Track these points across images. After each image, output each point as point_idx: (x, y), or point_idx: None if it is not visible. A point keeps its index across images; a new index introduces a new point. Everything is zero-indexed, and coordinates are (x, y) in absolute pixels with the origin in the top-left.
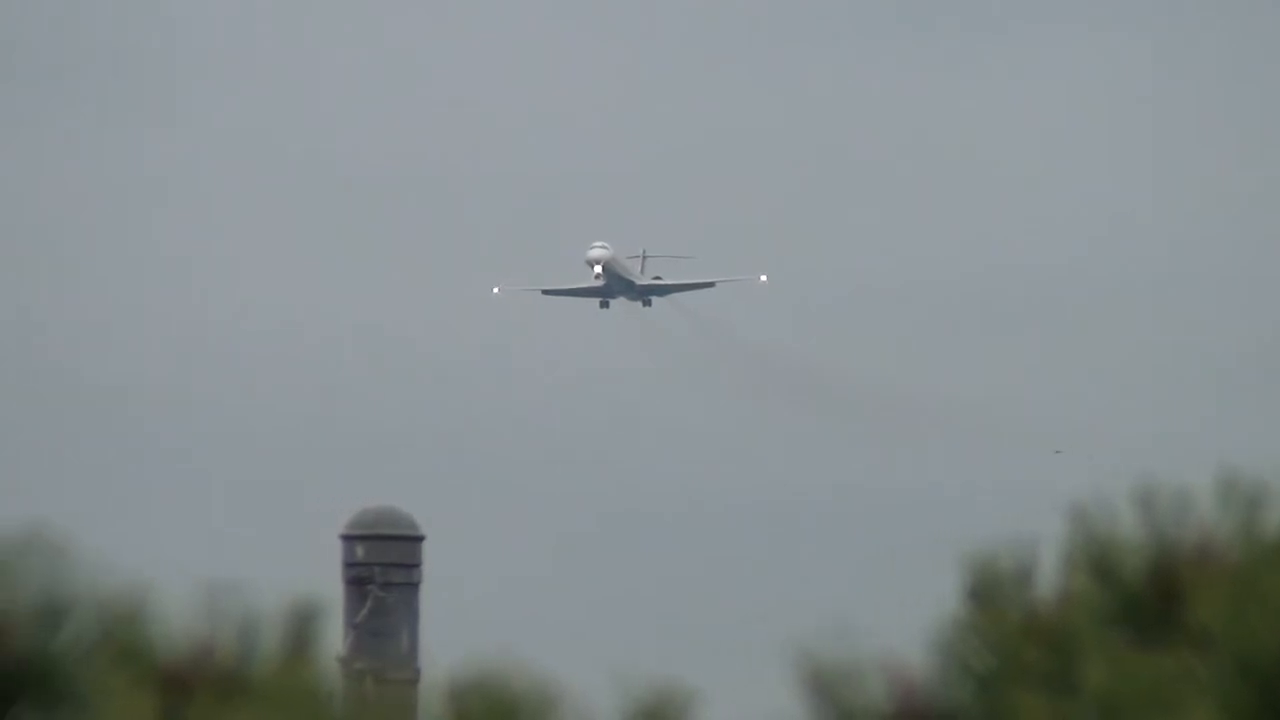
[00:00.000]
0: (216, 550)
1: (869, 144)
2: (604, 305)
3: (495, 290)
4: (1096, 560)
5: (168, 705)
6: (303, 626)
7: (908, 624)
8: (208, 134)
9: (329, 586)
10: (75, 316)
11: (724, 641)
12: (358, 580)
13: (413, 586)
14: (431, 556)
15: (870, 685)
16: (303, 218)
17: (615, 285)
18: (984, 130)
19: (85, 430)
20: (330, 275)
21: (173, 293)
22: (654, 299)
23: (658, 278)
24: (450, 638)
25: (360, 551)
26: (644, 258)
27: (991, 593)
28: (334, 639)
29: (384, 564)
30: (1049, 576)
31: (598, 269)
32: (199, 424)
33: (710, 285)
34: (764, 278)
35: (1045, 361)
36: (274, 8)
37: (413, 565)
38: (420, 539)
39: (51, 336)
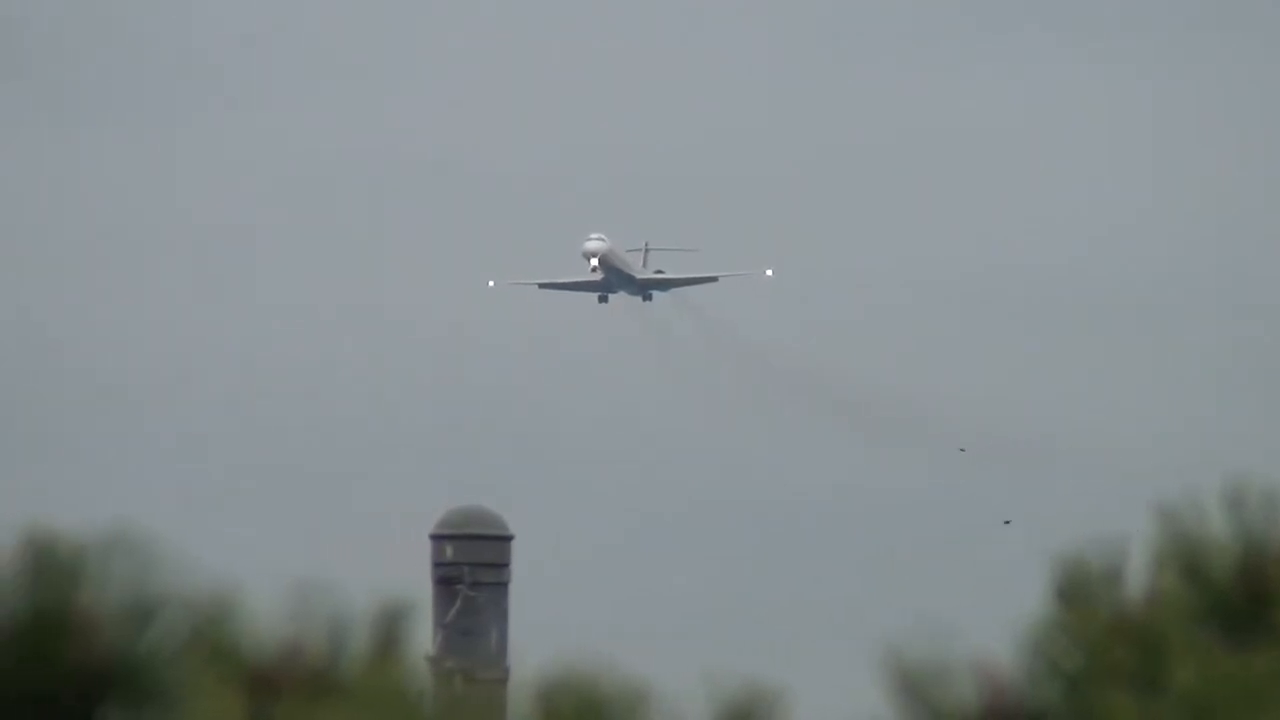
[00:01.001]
0: (219, 548)
1: (869, 144)
2: (603, 300)
3: (490, 284)
4: (1186, 560)
5: (256, 705)
6: (392, 626)
7: (911, 619)
8: (207, 131)
9: (419, 586)
10: (76, 316)
11: (744, 642)
12: (447, 580)
13: (502, 586)
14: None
15: (959, 685)
16: (302, 215)
17: (614, 279)
18: (984, 130)
19: (86, 429)
20: (328, 274)
21: (171, 291)
22: (656, 293)
23: (659, 271)
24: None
25: (449, 551)
26: (646, 251)
27: (1080, 592)
28: (424, 638)
29: (473, 563)
30: (1138, 576)
31: (594, 262)
32: (198, 423)
33: (713, 280)
34: (769, 272)
35: (1045, 361)
36: (273, 6)
37: (502, 565)
38: (509, 538)
39: (51, 336)
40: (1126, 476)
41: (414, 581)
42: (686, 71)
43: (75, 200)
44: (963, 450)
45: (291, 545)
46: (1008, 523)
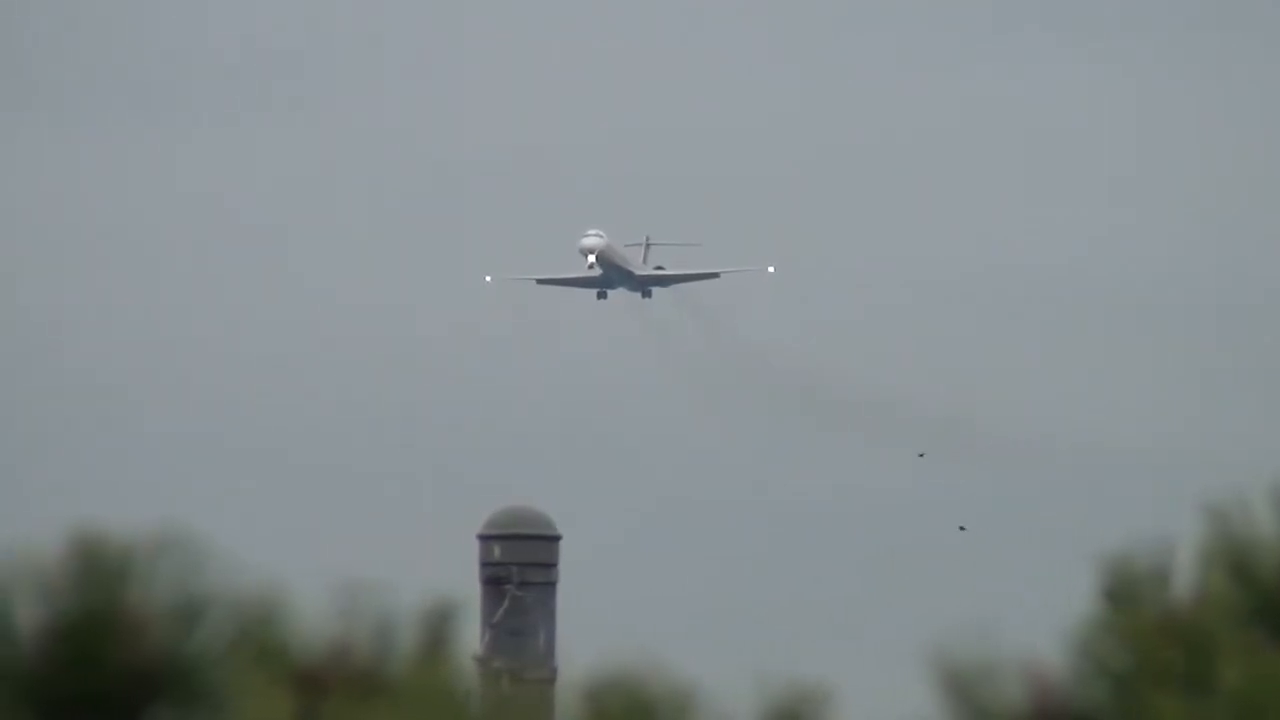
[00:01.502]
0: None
1: (869, 144)
2: (601, 296)
3: (487, 279)
4: (1233, 559)
5: (303, 705)
6: (440, 626)
7: (909, 618)
8: (208, 131)
9: (467, 586)
10: (76, 316)
11: (744, 642)
12: (495, 580)
13: (550, 586)
14: None
15: (1007, 685)
16: (302, 215)
17: (613, 275)
18: (984, 130)
19: (88, 429)
20: (328, 274)
21: (171, 291)
22: (655, 290)
23: (659, 268)
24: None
25: (497, 551)
26: (647, 245)
27: (1128, 592)
28: (471, 638)
29: (521, 563)
30: (1186, 576)
31: (591, 259)
32: (197, 423)
33: (715, 276)
34: (771, 268)
35: (1045, 361)
36: (274, 7)
37: (550, 565)
38: (557, 538)
39: (51, 336)
40: (1126, 476)
41: (456, 581)
42: (686, 71)
43: (75, 200)
44: (921, 455)
45: (292, 544)
46: (962, 529)
